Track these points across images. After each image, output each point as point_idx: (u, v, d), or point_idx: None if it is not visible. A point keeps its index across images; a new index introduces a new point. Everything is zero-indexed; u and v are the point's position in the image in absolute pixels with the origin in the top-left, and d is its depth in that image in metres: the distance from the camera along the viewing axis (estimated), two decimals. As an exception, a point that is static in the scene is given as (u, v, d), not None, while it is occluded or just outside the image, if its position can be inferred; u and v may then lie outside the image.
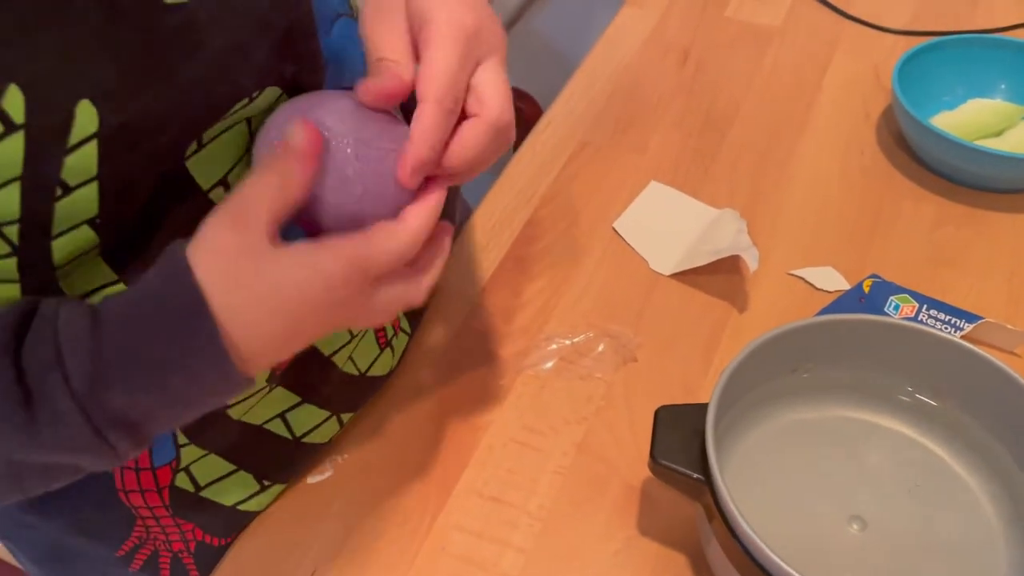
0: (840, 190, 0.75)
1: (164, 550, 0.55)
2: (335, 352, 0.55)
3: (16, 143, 0.33)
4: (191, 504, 0.53)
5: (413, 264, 0.42)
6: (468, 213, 0.74)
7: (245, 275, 0.37)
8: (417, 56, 0.41)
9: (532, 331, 0.65)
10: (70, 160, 0.35)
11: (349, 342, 0.56)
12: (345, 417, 0.59)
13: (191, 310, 0.36)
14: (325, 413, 0.56)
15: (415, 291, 0.42)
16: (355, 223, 0.40)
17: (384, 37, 0.42)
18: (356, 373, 0.58)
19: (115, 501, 0.51)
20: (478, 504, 0.56)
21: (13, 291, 0.38)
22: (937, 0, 0.96)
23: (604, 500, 0.56)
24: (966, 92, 0.80)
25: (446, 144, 0.41)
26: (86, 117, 0.35)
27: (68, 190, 0.36)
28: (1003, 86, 0.80)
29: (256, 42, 0.40)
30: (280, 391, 0.53)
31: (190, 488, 0.52)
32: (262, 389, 0.52)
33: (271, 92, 0.43)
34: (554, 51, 1.38)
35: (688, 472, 0.49)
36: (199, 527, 0.54)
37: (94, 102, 0.35)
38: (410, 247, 0.40)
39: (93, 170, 0.36)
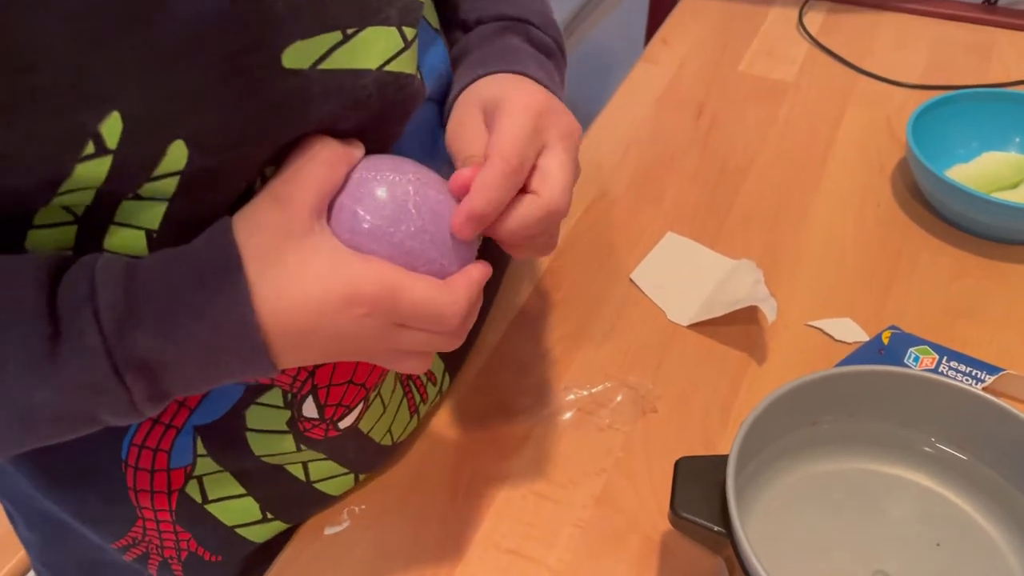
0: (856, 241, 0.75)
1: (155, 553, 0.55)
2: (372, 427, 0.56)
3: (103, 165, 0.35)
4: (194, 514, 0.53)
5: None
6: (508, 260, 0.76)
7: (281, 255, 0.38)
8: (489, 126, 0.44)
9: (550, 382, 0.65)
10: (148, 185, 0.37)
11: (383, 414, 0.56)
12: (363, 477, 0.59)
13: (225, 265, 0.37)
14: (344, 470, 0.57)
15: (442, 344, 0.42)
16: (407, 258, 0.41)
17: (466, 140, 0.45)
18: (390, 443, 0.59)
19: (122, 498, 0.51)
20: (496, 557, 0.55)
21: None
22: (950, 54, 0.98)
23: (624, 553, 0.55)
24: (980, 145, 0.81)
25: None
26: (176, 155, 0.36)
27: (139, 198, 0.38)
28: (1017, 139, 0.80)
29: (350, 117, 0.41)
30: (310, 452, 0.54)
31: (198, 498, 0.52)
32: (291, 452, 0.52)
33: None
34: (572, 104, 1.40)
35: (709, 525, 0.48)
36: (195, 538, 0.54)
37: (187, 143, 0.36)
38: (449, 308, 0.40)
39: (168, 195, 0.38)
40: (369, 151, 0.43)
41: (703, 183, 0.82)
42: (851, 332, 0.67)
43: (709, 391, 0.64)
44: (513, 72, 0.50)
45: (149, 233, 0.39)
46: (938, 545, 0.52)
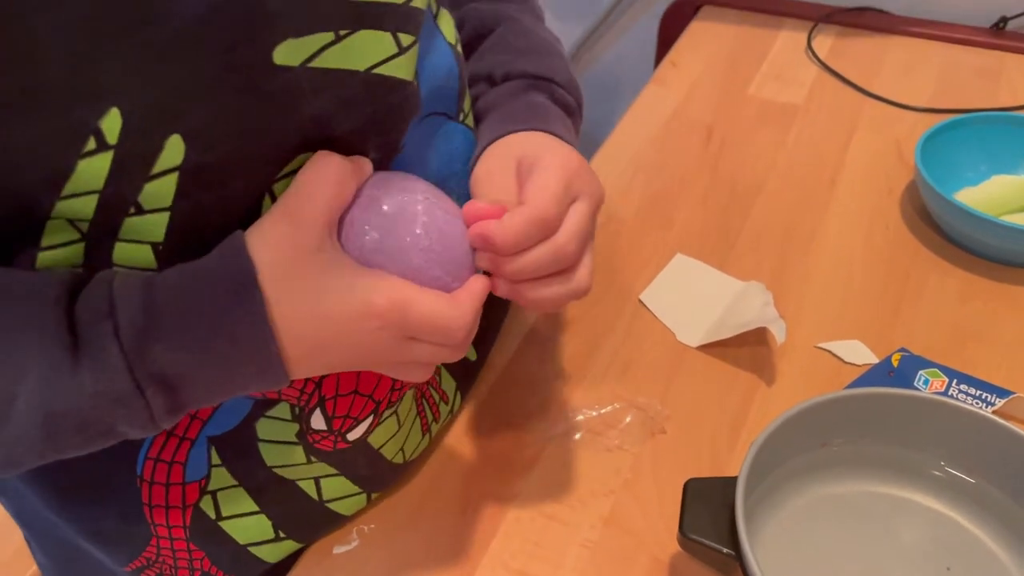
0: (865, 264, 0.75)
1: (169, 574, 0.55)
2: (384, 444, 0.56)
3: (104, 161, 0.36)
4: (208, 531, 0.53)
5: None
6: None
7: (294, 269, 0.39)
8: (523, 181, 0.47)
9: (559, 402, 0.65)
10: (149, 186, 0.38)
11: (397, 432, 0.56)
12: (375, 496, 0.59)
13: (242, 281, 0.38)
14: (356, 489, 0.57)
15: (447, 355, 0.44)
16: (413, 275, 0.42)
17: (495, 187, 0.48)
18: (402, 462, 0.59)
19: (138, 516, 0.51)
20: (505, 577, 0.55)
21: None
22: (958, 78, 0.98)
23: (632, 574, 0.55)
24: (989, 169, 0.81)
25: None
26: (174, 150, 0.37)
27: (141, 211, 0.39)
28: (1026, 162, 0.81)
29: (342, 117, 0.42)
30: (321, 465, 0.54)
31: (212, 514, 0.53)
32: (301, 464, 0.53)
33: None
34: (582, 128, 1.41)
35: (718, 547, 0.48)
36: (208, 557, 0.54)
37: (184, 138, 0.37)
38: (456, 321, 0.42)
39: (168, 201, 0.39)
40: (373, 161, 0.44)
41: (712, 205, 0.83)
42: (860, 354, 0.67)
43: (718, 412, 0.64)
44: (544, 131, 0.52)
45: (156, 247, 0.40)
46: (948, 569, 0.52)
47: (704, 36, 1.09)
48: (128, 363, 0.37)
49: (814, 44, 1.04)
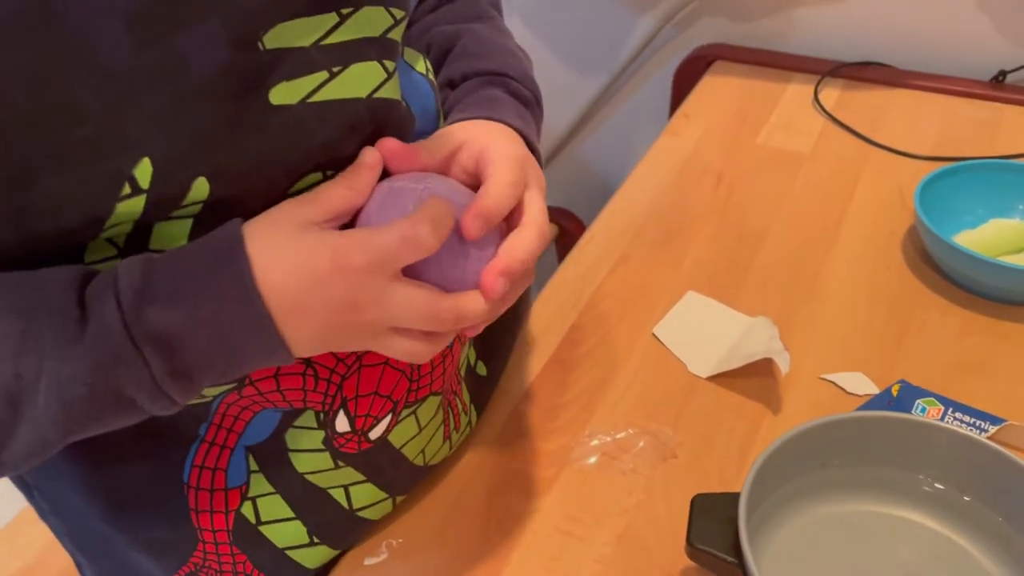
0: (869, 301, 0.79)
1: None
2: (405, 444, 0.60)
3: (139, 203, 0.41)
4: (249, 535, 0.57)
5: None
6: (528, 309, 0.80)
7: (279, 233, 0.43)
8: (479, 176, 0.50)
9: (576, 428, 0.69)
10: (178, 211, 0.43)
11: (418, 435, 0.60)
12: (399, 499, 0.63)
13: (230, 244, 0.42)
14: (383, 495, 0.61)
15: (435, 307, 0.45)
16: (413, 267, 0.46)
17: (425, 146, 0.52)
18: (422, 464, 0.63)
19: (185, 521, 0.55)
20: (524, 589, 0.59)
21: None
22: (959, 128, 1.03)
23: (644, 588, 0.58)
24: (986, 213, 0.85)
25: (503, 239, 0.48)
26: (200, 189, 0.43)
27: (169, 219, 0.44)
28: (1021, 207, 0.84)
29: (349, 141, 0.47)
30: (348, 470, 0.58)
31: (252, 519, 0.57)
32: (330, 469, 0.57)
33: None
34: (597, 174, 1.46)
35: (723, 556, 0.52)
36: (250, 560, 0.58)
37: (208, 179, 0.42)
38: (423, 236, 0.43)
39: (195, 213, 0.44)
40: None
41: (722, 247, 0.87)
42: (863, 385, 0.71)
43: (726, 439, 0.68)
44: (491, 119, 0.56)
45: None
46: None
47: (716, 89, 1.14)
48: (124, 321, 0.40)
49: (821, 96, 1.10)
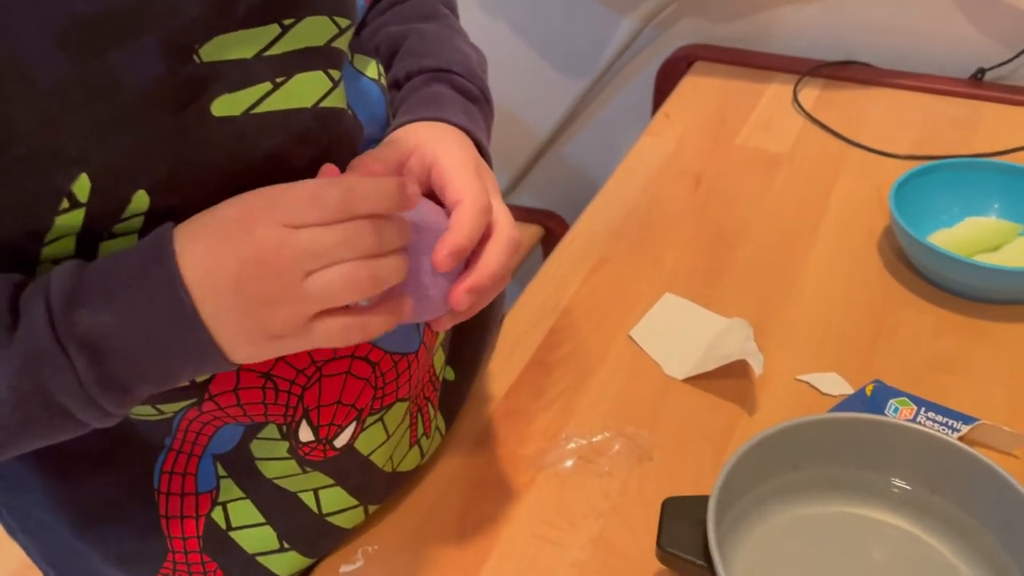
0: (844, 301, 0.80)
1: None
2: (373, 451, 0.60)
3: (77, 216, 0.41)
4: (219, 541, 0.57)
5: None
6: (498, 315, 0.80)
7: (204, 224, 0.42)
8: (433, 188, 0.50)
9: (552, 431, 0.70)
10: (119, 226, 0.43)
11: (386, 441, 0.61)
12: (371, 508, 0.63)
13: (158, 241, 0.41)
14: (353, 501, 0.61)
15: (337, 247, 0.41)
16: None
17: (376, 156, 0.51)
18: (391, 471, 0.63)
19: (155, 530, 0.56)
20: (499, 593, 0.59)
21: None
22: (938, 127, 1.03)
23: (618, 591, 0.59)
24: (962, 211, 0.86)
25: (476, 256, 0.48)
26: (140, 202, 0.42)
27: (113, 236, 0.44)
28: (996, 205, 0.85)
29: (300, 152, 0.47)
30: (316, 474, 0.58)
31: (222, 524, 0.57)
32: (297, 474, 0.57)
33: None
34: (581, 175, 1.47)
35: (692, 559, 0.52)
36: (221, 568, 0.58)
37: (148, 191, 0.42)
38: (324, 188, 0.42)
39: (137, 227, 0.44)
40: None
41: (700, 248, 0.88)
42: (837, 386, 0.71)
43: (702, 440, 0.68)
44: (436, 119, 0.55)
45: None
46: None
47: (696, 90, 1.15)
48: (51, 321, 0.39)
49: (800, 96, 1.10)
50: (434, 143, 0.52)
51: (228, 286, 0.40)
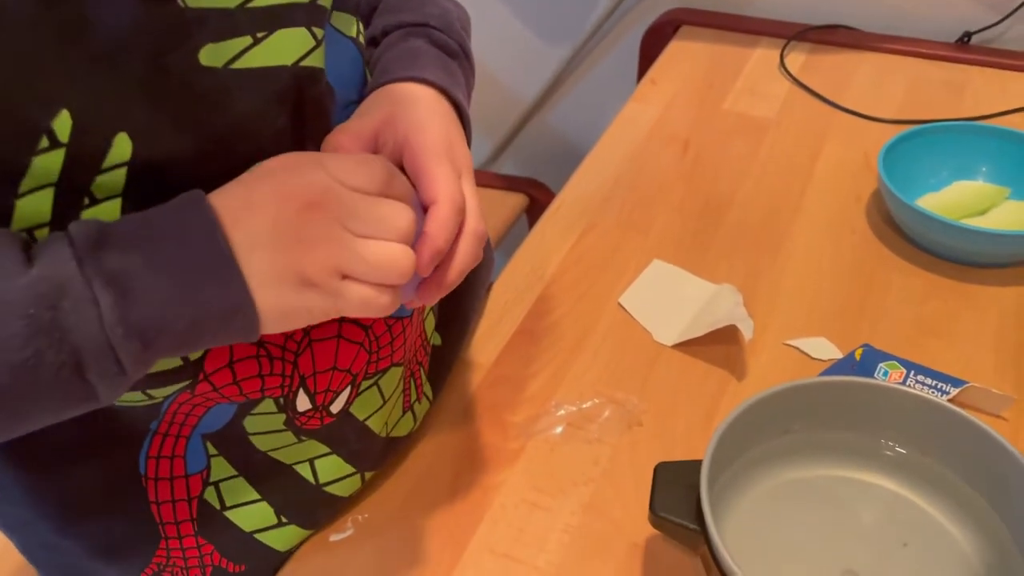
0: (833, 266, 0.79)
1: None
2: (369, 416, 0.59)
3: (57, 157, 0.39)
4: (214, 522, 0.56)
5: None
6: (486, 281, 0.80)
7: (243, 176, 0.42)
8: (409, 170, 0.49)
9: (542, 398, 0.69)
10: (101, 178, 0.41)
11: (382, 406, 0.60)
12: (368, 476, 0.62)
13: (188, 195, 0.40)
14: (350, 468, 0.60)
15: (372, 212, 0.42)
16: None
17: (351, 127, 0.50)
18: (385, 436, 0.62)
19: (146, 516, 0.54)
20: (490, 560, 0.59)
21: None
22: (925, 91, 1.03)
23: (609, 557, 0.59)
24: (950, 175, 0.85)
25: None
26: (122, 147, 0.41)
27: (95, 201, 0.42)
28: (984, 169, 0.85)
29: (277, 110, 0.46)
30: (312, 443, 0.57)
31: (216, 505, 0.56)
32: (293, 443, 0.56)
33: None
34: (566, 142, 1.45)
35: (685, 523, 0.52)
36: (217, 550, 0.57)
37: (131, 136, 0.41)
38: (371, 166, 0.43)
39: (119, 190, 0.42)
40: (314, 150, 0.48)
41: (688, 214, 0.87)
42: (826, 350, 0.71)
43: (691, 406, 0.68)
44: (412, 78, 0.54)
45: None
46: (905, 545, 0.55)
47: (682, 54, 1.13)
48: (77, 256, 0.37)
49: (787, 61, 1.09)
50: (407, 119, 0.50)
51: (267, 219, 0.40)
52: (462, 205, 0.48)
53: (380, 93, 0.53)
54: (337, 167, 0.42)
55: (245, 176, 0.42)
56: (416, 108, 0.51)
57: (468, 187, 0.49)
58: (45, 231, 0.41)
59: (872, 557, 0.55)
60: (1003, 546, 0.53)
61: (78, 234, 0.38)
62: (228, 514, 0.57)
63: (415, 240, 0.45)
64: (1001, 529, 0.53)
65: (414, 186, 0.48)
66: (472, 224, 0.49)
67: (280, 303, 0.41)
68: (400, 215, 0.43)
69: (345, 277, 0.42)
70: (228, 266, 0.39)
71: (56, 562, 0.59)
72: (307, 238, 0.40)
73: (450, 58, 0.58)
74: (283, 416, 0.55)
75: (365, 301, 0.42)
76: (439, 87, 0.54)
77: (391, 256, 0.42)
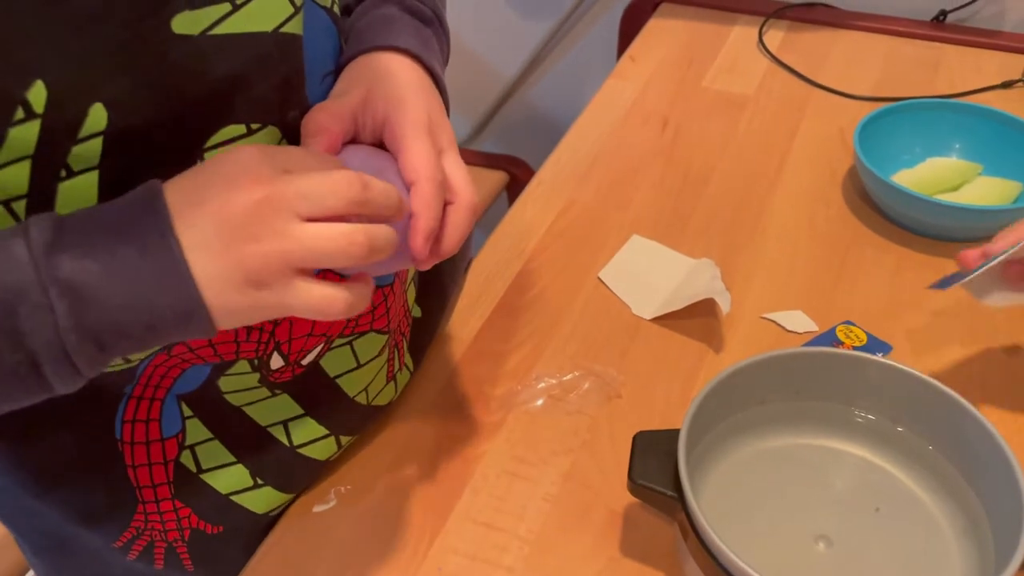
0: (808, 241, 0.81)
1: (160, 540, 0.58)
2: (340, 375, 0.60)
3: (32, 128, 0.39)
4: (191, 485, 0.57)
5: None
6: (466, 254, 0.80)
7: (191, 173, 0.41)
8: (389, 147, 0.49)
9: (523, 371, 0.70)
10: (77, 149, 0.41)
11: (356, 369, 0.60)
12: (344, 440, 0.63)
13: (145, 190, 0.40)
14: (324, 430, 0.61)
15: (326, 197, 0.41)
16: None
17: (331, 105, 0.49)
18: (365, 403, 0.63)
19: (123, 482, 0.55)
20: (472, 529, 0.60)
21: None
22: (900, 68, 1.04)
23: (589, 524, 0.60)
24: (924, 151, 0.87)
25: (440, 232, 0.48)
26: (97, 117, 0.41)
27: (72, 174, 0.41)
28: (957, 146, 0.86)
29: (258, 76, 0.46)
30: (285, 398, 0.58)
31: (192, 467, 0.57)
32: (267, 397, 0.57)
33: (271, 132, 0.48)
34: (546, 119, 1.46)
35: (663, 490, 0.53)
36: (195, 512, 0.58)
37: (106, 106, 0.41)
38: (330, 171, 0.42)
39: (95, 161, 0.42)
40: (293, 119, 0.48)
41: (667, 190, 0.88)
42: (801, 323, 0.72)
43: (669, 378, 0.69)
44: (386, 47, 0.53)
45: None
46: (877, 510, 0.57)
47: (661, 32, 1.14)
48: (34, 260, 0.37)
49: (765, 38, 1.10)
50: (385, 96, 0.50)
51: (216, 219, 0.39)
52: (441, 180, 0.48)
53: (356, 67, 0.53)
54: (285, 158, 0.41)
55: (200, 168, 0.41)
56: (394, 83, 0.51)
57: (453, 160, 0.49)
58: (22, 204, 0.41)
59: (845, 522, 0.56)
60: (972, 511, 0.55)
61: (35, 234, 0.38)
62: (204, 477, 0.57)
63: (405, 221, 0.45)
64: (970, 494, 0.55)
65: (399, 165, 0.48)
66: (465, 198, 0.48)
67: (233, 305, 0.40)
68: (351, 181, 0.41)
69: (299, 274, 0.40)
70: (180, 273, 0.39)
71: (35, 527, 0.59)
72: (255, 233, 0.39)
73: (424, 24, 0.57)
74: (257, 375, 0.55)
75: (324, 299, 0.41)
76: (413, 55, 0.54)
77: (345, 234, 0.40)
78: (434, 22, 0.59)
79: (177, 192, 0.40)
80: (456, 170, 0.49)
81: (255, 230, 0.39)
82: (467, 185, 0.49)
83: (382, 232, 0.42)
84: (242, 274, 0.39)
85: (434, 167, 0.47)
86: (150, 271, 0.38)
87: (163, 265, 0.38)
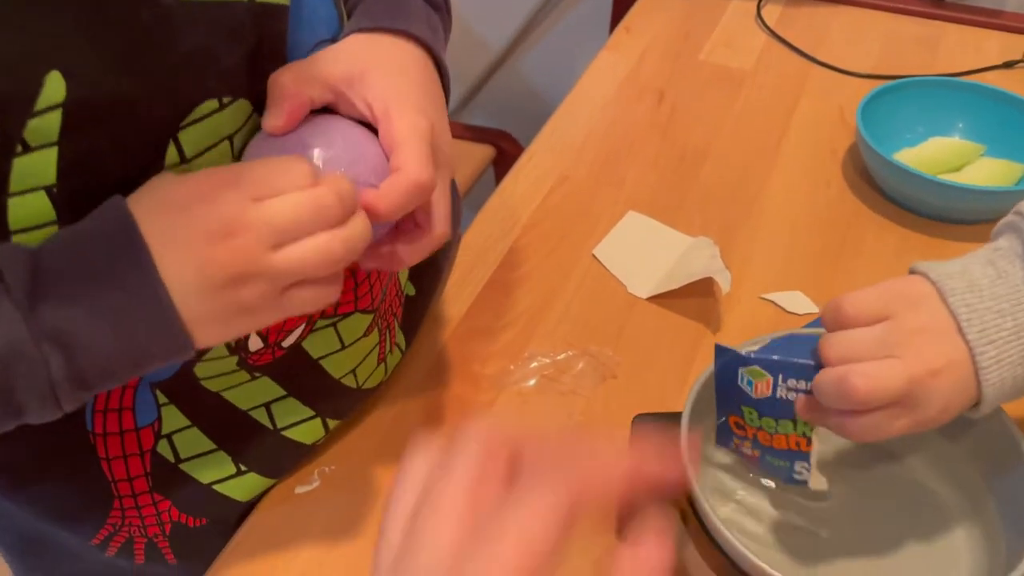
0: (808, 221, 0.79)
1: (139, 536, 0.56)
2: (324, 356, 0.57)
3: None
4: (170, 477, 0.54)
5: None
6: (458, 237, 0.78)
7: (163, 192, 0.41)
8: (384, 143, 0.46)
9: (515, 351, 0.68)
10: (33, 122, 0.38)
11: (341, 350, 0.58)
12: (331, 423, 0.60)
13: (121, 226, 0.39)
14: (309, 411, 0.58)
15: (308, 200, 0.40)
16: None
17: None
18: (355, 386, 0.60)
19: (97, 477, 0.52)
20: (462, 513, 0.57)
21: None
22: (900, 46, 1.02)
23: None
24: (926, 131, 0.85)
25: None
26: (54, 87, 0.38)
27: (28, 149, 0.39)
28: (960, 125, 0.84)
29: (227, 48, 0.43)
30: (266, 381, 0.55)
31: (170, 458, 0.54)
32: (246, 381, 0.54)
33: (243, 105, 0.45)
34: (536, 92, 1.43)
35: (663, 475, 0.51)
36: (175, 505, 0.55)
37: (64, 75, 0.38)
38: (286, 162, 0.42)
39: (54, 136, 0.39)
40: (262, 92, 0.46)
41: (663, 166, 0.85)
42: (801, 304, 0.70)
43: (666, 359, 0.67)
44: (397, 31, 0.50)
45: (50, 190, 0.40)
46: (880, 495, 0.55)
47: (658, 3, 1.11)
48: (23, 315, 0.37)
49: (764, 13, 1.07)
50: (387, 86, 0.46)
51: (194, 262, 0.39)
52: (429, 187, 0.45)
53: (359, 42, 0.49)
54: (254, 185, 0.40)
55: (164, 196, 0.40)
56: (402, 77, 0.48)
57: (441, 189, 0.47)
58: None
59: (848, 509, 0.54)
60: (985, 508, 0.53)
61: (14, 285, 0.37)
62: (184, 467, 0.54)
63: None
64: (983, 491, 0.53)
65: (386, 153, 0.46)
66: (438, 233, 0.47)
67: (223, 336, 0.43)
68: (327, 203, 0.40)
69: (286, 290, 0.41)
70: (169, 319, 0.39)
71: (7, 526, 0.56)
72: (238, 275, 0.39)
73: (434, 10, 0.55)
74: (235, 358, 0.52)
75: (316, 298, 0.42)
76: (425, 44, 0.51)
77: (322, 250, 0.41)
78: (442, 7, 0.57)
79: (150, 225, 0.39)
80: (441, 199, 0.47)
81: (238, 270, 0.39)
82: (446, 221, 0.47)
83: (358, 231, 0.42)
84: (234, 309, 0.40)
85: (428, 170, 0.45)
86: (139, 318, 0.39)
87: (151, 312, 0.39)
